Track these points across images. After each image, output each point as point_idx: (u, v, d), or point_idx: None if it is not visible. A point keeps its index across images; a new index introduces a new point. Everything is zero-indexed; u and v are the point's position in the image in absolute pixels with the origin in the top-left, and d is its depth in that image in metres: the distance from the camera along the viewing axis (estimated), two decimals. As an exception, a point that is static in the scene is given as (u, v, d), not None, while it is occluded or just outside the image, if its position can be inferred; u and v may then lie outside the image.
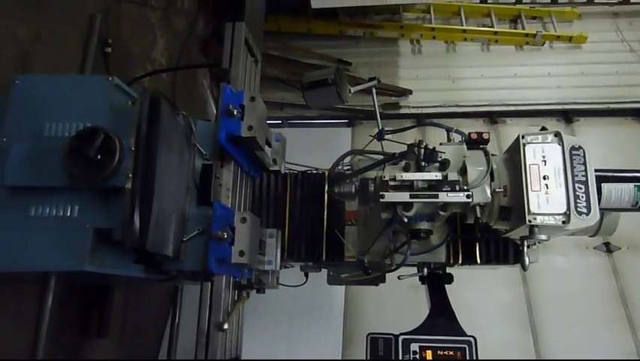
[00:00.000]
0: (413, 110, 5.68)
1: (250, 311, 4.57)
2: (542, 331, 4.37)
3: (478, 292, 4.37)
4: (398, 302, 4.36)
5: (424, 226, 2.09)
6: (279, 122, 5.85)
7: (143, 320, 4.23)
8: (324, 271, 3.07)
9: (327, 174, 2.72)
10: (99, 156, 1.70)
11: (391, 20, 6.22)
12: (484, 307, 4.41)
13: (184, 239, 1.98)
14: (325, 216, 2.75)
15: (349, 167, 2.63)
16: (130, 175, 1.75)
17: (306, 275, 3.09)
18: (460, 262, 2.55)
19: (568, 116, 5.48)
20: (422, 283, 2.69)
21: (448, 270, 2.68)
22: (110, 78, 2.01)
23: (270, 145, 2.48)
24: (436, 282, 2.64)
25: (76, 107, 1.96)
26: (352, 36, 6.16)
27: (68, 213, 1.84)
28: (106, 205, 1.83)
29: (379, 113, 2.70)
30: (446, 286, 2.60)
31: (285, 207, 2.78)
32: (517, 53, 6.00)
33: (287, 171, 2.81)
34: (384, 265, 2.42)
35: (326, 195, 2.73)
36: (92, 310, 3.46)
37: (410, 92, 5.77)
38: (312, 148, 5.25)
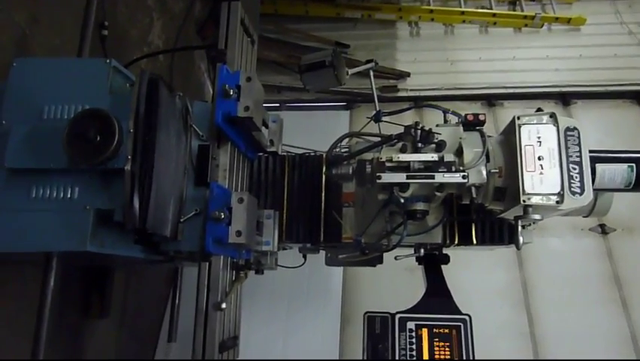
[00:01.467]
0: (411, 93, 5.68)
1: (249, 292, 4.63)
2: (537, 312, 4.43)
3: (474, 274, 4.42)
4: (395, 283, 4.41)
5: (420, 206, 2.11)
6: (277, 105, 5.84)
7: (143, 300, 4.28)
8: (323, 253, 3.10)
9: (324, 156, 2.73)
10: (98, 138, 1.72)
11: (389, 2, 6.17)
12: (480, 288, 4.46)
13: (181, 220, 2.00)
14: (323, 198, 2.76)
15: (347, 149, 2.65)
16: (129, 157, 1.77)
17: (305, 257, 3.12)
18: (456, 242, 2.58)
19: (565, 98, 5.48)
20: (419, 264, 2.73)
21: (445, 251, 2.72)
22: (108, 61, 2.02)
23: (267, 126, 2.49)
24: (433, 262, 2.67)
25: (74, 90, 1.98)
26: (350, 18, 6.13)
27: (69, 195, 1.88)
28: (106, 187, 1.86)
29: (377, 95, 2.71)
30: (442, 267, 2.64)
31: (283, 189, 2.79)
32: (515, 36, 5.98)
33: (285, 154, 2.82)
34: (381, 246, 2.44)
35: (324, 177, 2.74)
36: (93, 291, 3.50)
37: (408, 74, 5.77)
38: (310, 131, 5.25)
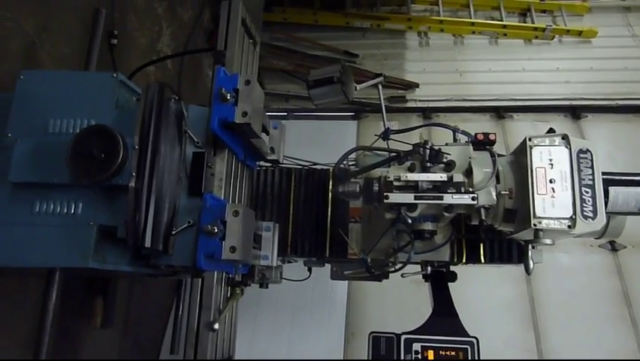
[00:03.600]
0: (420, 104, 5.65)
1: (253, 301, 4.61)
2: (545, 329, 4.37)
3: (481, 288, 4.36)
4: (401, 296, 4.37)
5: (428, 226, 2.07)
6: (285, 114, 5.83)
7: (147, 309, 4.26)
8: (328, 265, 3.07)
9: (331, 171, 2.70)
10: (102, 156, 1.69)
11: (399, 12, 6.16)
12: (487, 303, 4.41)
13: (173, 232, 1.87)
14: (329, 213, 2.73)
15: (354, 162, 2.62)
16: (134, 174, 1.74)
17: (310, 270, 3.09)
18: (464, 260, 2.54)
19: (576, 112, 5.43)
20: (425, 281, 2.69)
21: (452, 268, 2.68)
22: (115, 75, 2.00)
23: (267, 133, 2.33)
24: (440, 280, 2.63)
25: (80, 104, 1.95)
26: (359, 28, 6.13)
27: (72, 210, 1.85)
28: (109, 203, 1.83)
29: (385, 106, 2.68)
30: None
31: (289, 202, 2.76)
32: (525, 47, 5.95)
33: (291, 166, 2.79)
34: (388, 264, 2.41)
35: (330, 192, 2.71)
36: (97, 299, 3.48)
37: (417, 85, 5.74)
38: (318, 141, 5.26)
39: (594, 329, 4.28)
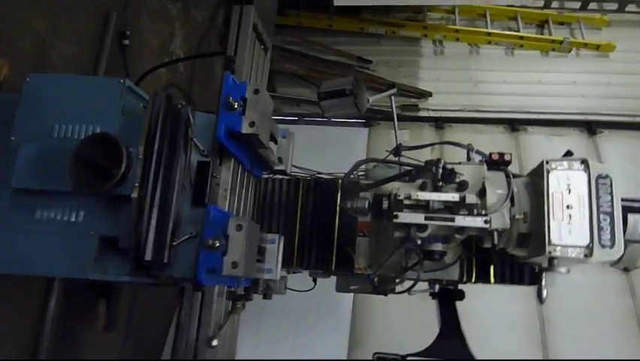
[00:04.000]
0: (432, 114, 5.57)
1: (257, 308, 4.57)
2: (554, 348, 4.28)
3: (489, 303, 4.27)
4: (406, 308, 4.29)
5: (438, 247, 2.01)
6: (296, 118, 5.77)
7: (149, 312, 4.23)
8: (333, 276, 3.01)
9: (340, 182, 2.64)
10: (106, 165, 1.65)
11: (415, 19, 6.09)
12: (494, 319, 4.32)
13: (175, 243, 1.81)
14: (336, 226, 2.67)
15: (364, 173, 2.56)
16: (137, 184, 1.70)
17: (315, 280, 3.03)
18: (473, 280, 2.47)
19: (591, 127, 5.32)
20: (432, 298, 2.62)
21: (460, 286, 2.61)
22: (122, 81, 1.96)
23: (276, 142, 2.27)
24: (447, 299, 2.56)
25: (87, 110, 1.92)
26: (374, 34, 6.05)
27: (74, 219, 1.82)
28: (112, 212, 1.80)
29: (397, 114, 2.61)
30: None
31: (296, 213, 2.71)
32: (542, 59, 5.84)
33: (299, 176, 2.74)
34: (394, 281, 2.35)
35: (338, 204, 2.65)
36: (100, 303, 3.45)
37: (430, 94, 5.66)
38: (328, 147, 5.20)
39: (604, 350, 4.18)
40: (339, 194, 2.68)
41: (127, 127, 1.87)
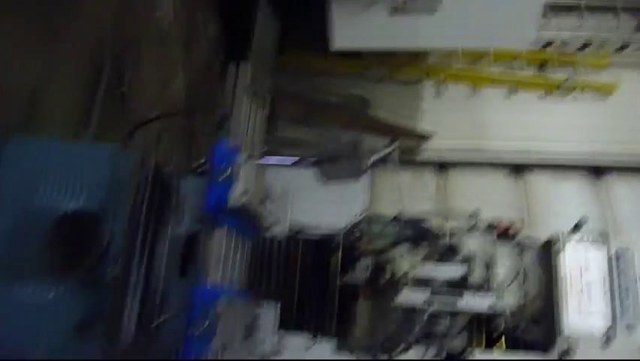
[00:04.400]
0: (434, 157, 5.47)
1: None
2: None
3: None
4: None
5: (442, 325, 1.88)
6: (296, 160, 5.67)
7: None
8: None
9: (340, 243, 2.52)
10: (83, 246, 1.53)
11: (415, 60, 6.04)
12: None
13: (157, 322, 1.67)
14: (337, 288, 2.54)
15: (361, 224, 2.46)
16: (119, 262, 1.57)
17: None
18: (482, 347, 2.32)
19: (597, 170, 5.20)
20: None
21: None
22: (111, 146, 1.86)
23: (272, 200, 2.15)
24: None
25: (71, 177, 1.80)
26: (374, 75, 6.00)
27: (47, 297, 1.67)
28: (88, 293, 1.64)
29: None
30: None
31: (295, 275, 2.58)
32: (544, 100, 5.77)
33: (298, 236, 2.63)
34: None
35: (339, 265, 2.53)
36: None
37: (430, 136, 5.57)
38: (330, 190, 5.07)
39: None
40: (339, 253, 2.56)
41: (113, 193, 1.75)
